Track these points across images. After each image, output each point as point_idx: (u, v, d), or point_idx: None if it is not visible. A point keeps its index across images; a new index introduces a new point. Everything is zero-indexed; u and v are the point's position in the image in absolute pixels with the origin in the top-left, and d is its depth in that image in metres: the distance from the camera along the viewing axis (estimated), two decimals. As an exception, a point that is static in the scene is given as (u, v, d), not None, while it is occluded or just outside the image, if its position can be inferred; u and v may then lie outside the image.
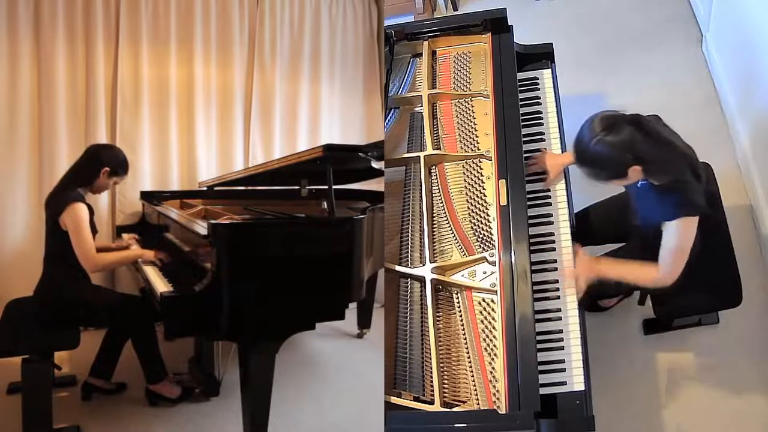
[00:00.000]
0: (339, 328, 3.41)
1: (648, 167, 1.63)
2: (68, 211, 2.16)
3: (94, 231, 2.30)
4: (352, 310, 3.08)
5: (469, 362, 1.78)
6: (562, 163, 2.08)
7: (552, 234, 2.00)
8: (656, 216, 1.72)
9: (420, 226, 2.03)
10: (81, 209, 2.18)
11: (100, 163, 2.30)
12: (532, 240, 1.90)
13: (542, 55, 2.41)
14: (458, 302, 1.89)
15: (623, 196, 2.12)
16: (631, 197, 1.91)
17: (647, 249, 1.80)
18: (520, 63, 2.34)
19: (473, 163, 2.14)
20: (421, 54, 2.47)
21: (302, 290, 1.93)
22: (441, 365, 1.77)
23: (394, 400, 1.73)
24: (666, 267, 1.75)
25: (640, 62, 3.29)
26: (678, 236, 1.69)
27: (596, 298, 2.43)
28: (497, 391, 1.68)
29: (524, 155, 2.06)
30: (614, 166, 1.62)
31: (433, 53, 2.50)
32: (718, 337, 2.37)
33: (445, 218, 2.05)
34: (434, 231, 2.03)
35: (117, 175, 2.35)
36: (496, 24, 2.37)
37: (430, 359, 1.76)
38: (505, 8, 2.37)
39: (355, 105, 4.45)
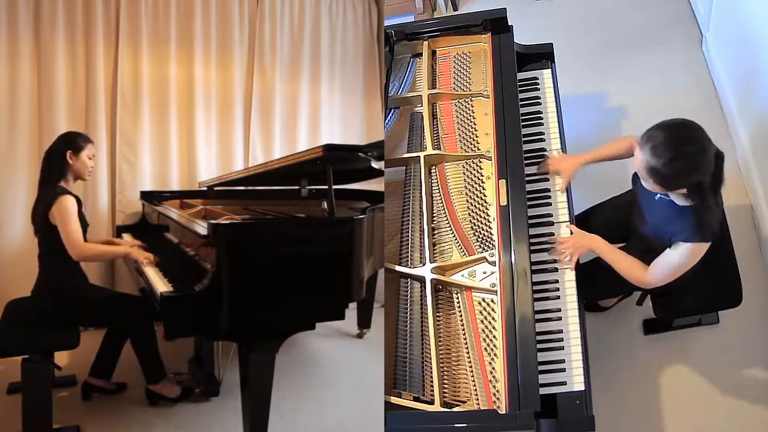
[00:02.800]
0: (339, 328, 3.41)
1: (693, 194, 1.62)
2: (56, 205, 2.17)
3: (84, 223, 2.31)
4: (352, 310, 3.08)
5: (469, 362, 1.78)
6: (576, 164, 2.07)
7: (552, 234, 2.00)
8: (669, 233, 1.72)
9: (420, 226, 2.03)
10: (68, 201, 2.19)
11: (59, 152, 2.29)
12: (532, 240, 1.90)
13: (542, 55, 2.41)
14: (458, 302, 1.89)
15: (625, 197, 2.12)
16: (641, 205, 1.91)
17: (650, 254, 1.80)
18: (520, 63, 2.34)
19: (473, 163, 2.14)
20: (421, 54, 2.48)
21: (302, 290, 1.93)
22: (441, 365, 1.77)
23: (394, 400, 1.73)
24: (657, 275, 1.77)
25: (640, 62, 3.29)
26: (686, 257, 1.70)
27: (596, 298, 2.43)
28: (497, 391, 1.68)
29: (525, 155, 2.06)
30: (673, 183, 1.59)
31: (433, 53, 2.50)
32: (718, 337, 2.37)
33: (445, 218, 2.05)
34: (434, 231, 2.03)
35: (82, 149, 2.30)
36: (496, 24, 2.37)
37: (430, 359, 1.76)
38: (505, 8, 2.37)
39: (355, 105, 4.45)
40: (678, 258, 1.71)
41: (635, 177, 1.94)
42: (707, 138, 1.59)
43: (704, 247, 1.69)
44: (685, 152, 1.53)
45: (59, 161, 2.29)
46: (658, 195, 1.76)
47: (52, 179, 2.28)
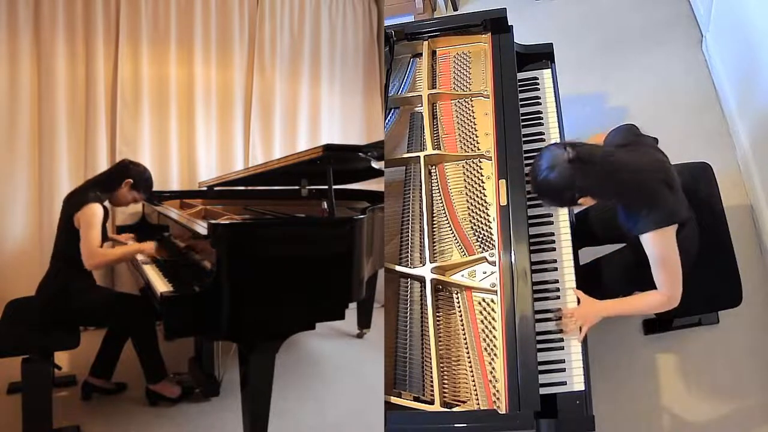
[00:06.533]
0: (339, 328, 3.41)
1: (597, 196, 1.69)
2: (84, 210, 2.19)
3: (105, 236, 2.32)
4: (352, 310, 3.08)
5: (469, 362, 1.78)
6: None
7: (552, 234, 2.00)
8: (631, 228, 1.71)
9: (420, 226, 2.03)
10: (97, 209, 2.22)
11: (126, 174, 2.38)
12: (532, 240, 1.90)
13: (542, 55, 2.41)
14: (458, 302, 1.89)
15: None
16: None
17: (641, 252, 1.79)
18: (520, 63, 2.34)
19: (473, 163, 2.14)
20: (421, 54, 2.47)
21: (302, 290, 1.93)
22: (441, 365, 1.77)
23: (394, 400, 1.73)
24: (664, 284, 1.71)
25: (640, 62, 3.29)
26: (655, 247, 1.68)
27: (598, 298, 2.42)
28: (497, 391, 1.68)
29: (525, 155, 2.06)
30: (562, 199, 1.70)
31: (433, 53, 2.50)
32: (718, 337, 2.37)
33: (445, 218, 2.05)
34: (434, 231, 2.03)
35: (138, 191, 2.41)
36: (496, 24, 2.37)
37: (430, 359, 1.76)
38: (505, 8, 2.37)
39: (355, 105, 4.45)
40: (651, 252, 1.69)
41: None
42: (549, 157, 1.63)
43: (665, 231, 1.66)
44: (536, 184, 1.68)
45: (117, 180, 2.37)
46: None
47: (98, 186, 2.34)
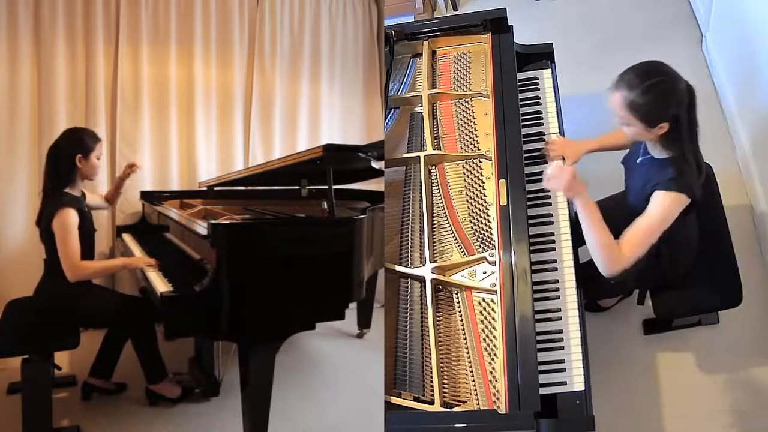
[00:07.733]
0: (339, 328, 3.41)
1: (673, 129, 1.65)
2: (57, 217, 2.12)
3: (92, 230, 2.30)
4: (352, 310, 3.08)
5: (469, 362, 1.78)
6: (581, 151, 2.10)
7: (552, 234, 2.00)
8: (647, 186, 1.69)
9: (420, 226, 2.03)
10: (69, 215, 2.13)
11: (67, 155, 2.21)
12: (532, 240, 1.90)
13: (542, 55, 2.42)
14: (458, 302, 1.89)
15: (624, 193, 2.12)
16: (626, 181, 1.92)
17: None
18: (520, 63, 2.34)
19: (473, 163, 2.14)
20: (421, 54, 2.48)
21: (302, 290, 1.93)
22: (441, 365, 1.77)
23: (394, 400, 1.73)
24: (627, 239, 1.64)
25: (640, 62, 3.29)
26: (660, 207, 1.64)
27: (596, 297, 2.43)
28: (497, 391, 1.68)
29: (525, 155, 2.06)
30: (653, 113, 1.63)
31: (433, 53, 2.50)
32: (718, 337, 2.37)
33: (445, 218, 2.05)
34: (434, 231, 2.03)
35: (92, 150, 2.24)
36: (496, 24, 2.38)
37: (430, 359, 1.76)
38: (505, 8, 2.37)
39: (355, 105, 4.44)
40: (652, 208, 1.65)
41: (624, 158, 1.96)
42: (674, 72, 1.69)
43: (680, 199, 1.64)
44: (657, 80, 1.64)
45: (67, 165, 2.21)
46: (639, 158, 1.78)
47: (59, 185, 2.22)
